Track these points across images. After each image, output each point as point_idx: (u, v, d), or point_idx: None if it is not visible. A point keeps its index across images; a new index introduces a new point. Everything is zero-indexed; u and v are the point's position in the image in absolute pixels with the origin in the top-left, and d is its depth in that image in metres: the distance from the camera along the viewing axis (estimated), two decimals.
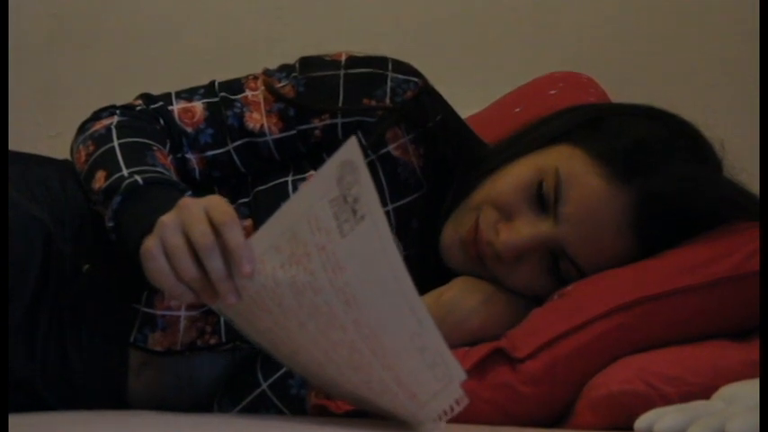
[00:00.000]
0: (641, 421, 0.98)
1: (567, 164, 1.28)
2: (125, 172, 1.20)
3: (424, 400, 0.97)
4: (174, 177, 1.23)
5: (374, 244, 0.91)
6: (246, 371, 1.30)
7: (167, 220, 1.06)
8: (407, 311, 0.92)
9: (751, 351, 1.14)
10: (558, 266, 1.28)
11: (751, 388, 1.00)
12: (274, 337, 1.06)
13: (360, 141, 1.31)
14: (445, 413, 0.97)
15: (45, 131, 2.09)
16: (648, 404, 1.07)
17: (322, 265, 0.94)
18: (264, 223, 1.00)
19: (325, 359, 1.01)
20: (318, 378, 1.09)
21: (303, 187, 0.96)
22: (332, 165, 0.92)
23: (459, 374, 0.94)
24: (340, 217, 0.92)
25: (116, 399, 1.30)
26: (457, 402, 0.96)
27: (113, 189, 1.19)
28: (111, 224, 1.19)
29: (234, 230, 1.02)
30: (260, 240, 1.01)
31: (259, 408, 1.28)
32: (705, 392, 1.04)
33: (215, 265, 1.02)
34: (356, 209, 0.91)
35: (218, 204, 1.05)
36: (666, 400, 1.09)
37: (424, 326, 0.92)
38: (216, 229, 1.03)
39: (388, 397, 0.99)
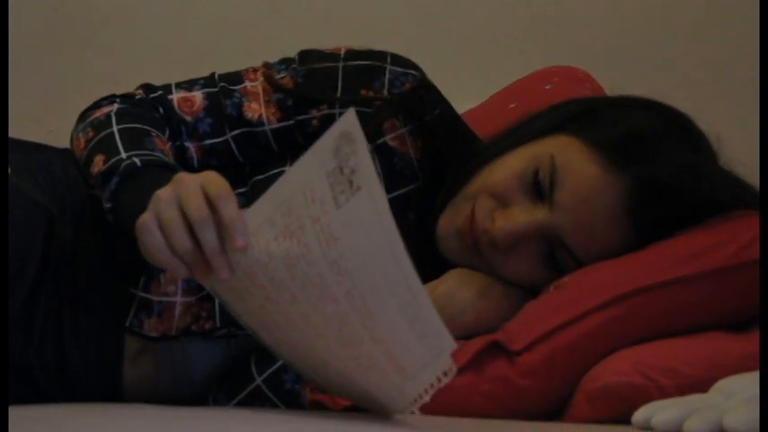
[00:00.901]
0: (639, 414, 0.98)
1: (563, 152, 1.28)
2: (123, 155, 1.20)
3: (413, 373, 0.96)
4: (173, 161, 1.23)
5: (370, 214, 0.90)
6: (241, 365, 1.30)
7: (163, 194, 1.06)
8: (401, 281, 0.91)
9: (749, 343, 1.14)
10: (554, 255, 1.28)
11: (749, 381, 1.00)
12: (266, 315, 1.06)
13: None
14: (432, 386, 0.96)
15: (45, 126, 2.08)
16: (646, 396, 1.07)
17: (316, 236, 0.94)
18: (260, 197, 1.00)
19: (315, 334, 1.01)
20: (306, 359, 1.08)
21: (300, 160, 0.96)
22: (329, 136, 0.92)
23: (450, 345, 0.94)
24: (336, 188, 0.91)
25: (112, 389, 1.31)
26: (444, 374, 0.95)
27: (112, 171, 1.19)
28: (108, 205, 1.19)
29: (229, 204, 1.02)
30: (254, 214, 1.01)
31: (254, 402, 1.28)
32: (703, 385, 1.04)
33: (209, 238, 1.02)
34: (353, 180, 0.90)
35: (213, 179, 1.05)
36: (664, 393, 1.09)
37: (416, 296, 0.92)
38: (211, 203, 1.03)
39: (375, 372, 0.99)
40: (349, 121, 0.91)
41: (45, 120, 2.11)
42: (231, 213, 1.01)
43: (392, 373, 0.97)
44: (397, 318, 0.93)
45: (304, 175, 0.94)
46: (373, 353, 0.97)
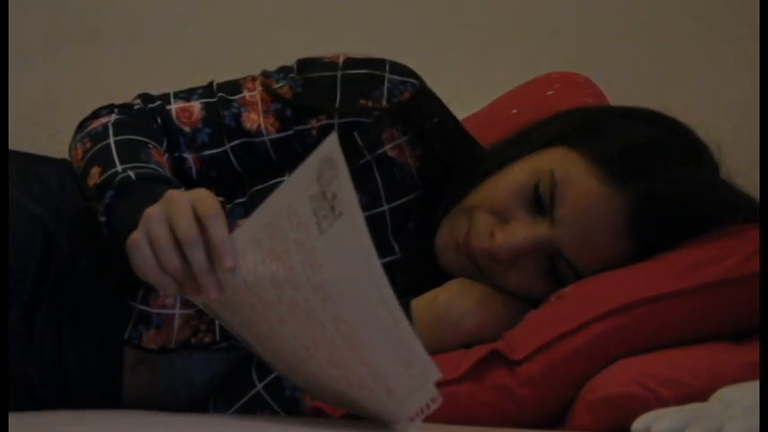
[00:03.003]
0: (638, 423, 0.98)
1: (563, 166, 1.28)
2: (119, 168, 1.20)
3: (401, 398, 0.96)
4: (169, 174, 1.23)
5: (351, 241, 0.90)
6: (241, 372, 1.30)
7: (153, 211, 1.06)
8: (382, 309, 0.91)
9: (749, 353, 1.14)
10: (555, 269, 1.28)
11: (749, 390, 1.00)
12: (259, 330, 1.06)
13: (356, 142, 1.33)
14: (422, 411, 0.96)
15: (44, 130, 2.09)
16: (646, 407, 1.06)
17: (300, 261, 0.94)
18: (248, 218, 1.00)
19: (307, 355, 1.01)
20: (301, 375, 1.08)
21: (284, 183, 0.96)
22: (312, 161, 0.92)
23: (434, 373, 0.94)
24: (319, 213, 0.91)
25: (112, 398, 1.31)
26: (432, 400, 0.95)
27: (107, 184, 1.19)
28: (103, 219, 1.19)
29: (218, 224, 1.02)
30: (242, 235, 1.01)
31: (254, 409, 1.28)
32: (702, 395, 1.04)
33: (197, 257, 1.02)
34: (334, 205, 0.90)
35: (204, 197, 1.05)
36: (663, 403, 1.08)
37: (398, 323, 0.91)
38: (200, 222, 1.03)
39: (366, 394, 0.99)
40: (331, 145, 0.91)
41: (45, 124, 2.11)
42: (220, 233, 1.01)
43: (382, 396, 0.97)
44: (381, 344, 0.93)
45: (288, 198, 0.94)
46: (362, 375, 0.97)
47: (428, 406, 0.96)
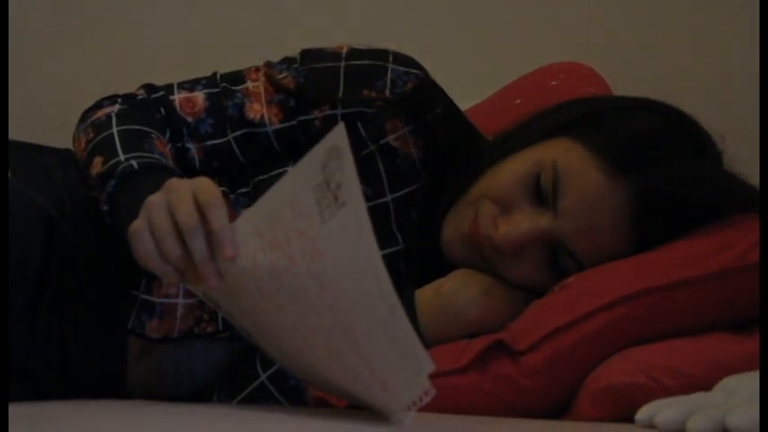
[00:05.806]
0: (642, 413, 0.98)
1: (566, 157, 1.27)
2: (122, 157, 1.21)
3: (396, 390, 0.96)
4: (171, 164, 1.23)
5: (353, 231, 0.90)
6: (245, 363, 1.30)
7: (154, 199, 1.06)
8: (380, 299, 0.91)
9: (752, 343, 1.14)
10: (558, 260, 1.28)
11: (752, 380, 0.99)
12: (259, 320, 1.06)
13: (359, 132, 1.33)
14: (414, 403, 0.96)
15: (49, 122, 2.09)
16: (649, 396, 1.06)
17: (301, 250, 0.94)
18: (250, 207, 1.01)
19: (304, 345, 1.01)
20: (298, 364, 1.09)
21: (288, 174, 0.96)
22: (318, 151, 0.92)
23: (428, 366, 0.93)
24: (322, 203, 0.91)
25: (116, 388, 1.31)
26: (425, 393, 0.95)
27: (109, 173, 1.19)
28: (105, 208, 1.20)
29: (218, 212, 1.02)
30: (244, 224, 1.01)
31: (258, 399, 1.29)
32: (706, 384, 1.03)
33: (197, 245, 1.02)
34: (338, 195, 0.90)
35: (205, 186, 1.05)
36: (667, 393, 1.08)
37: (395, 315, 0.91)
38: (201, 210, 1.03)
39: (361, 385, 0.99)
40: (338, 135, 0.91)
41: (50, 116, 2.11)
42: (220, 222, 1.01)
43: (376, 388, 0.97)
44: (377, 335, 0.93)
45: (292, 188, 0.94)
46: (357, 367, 0.97)
47: (421, 398, 0.95)
